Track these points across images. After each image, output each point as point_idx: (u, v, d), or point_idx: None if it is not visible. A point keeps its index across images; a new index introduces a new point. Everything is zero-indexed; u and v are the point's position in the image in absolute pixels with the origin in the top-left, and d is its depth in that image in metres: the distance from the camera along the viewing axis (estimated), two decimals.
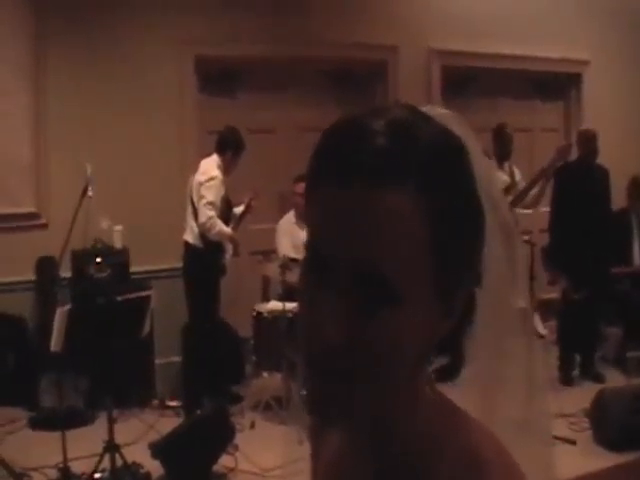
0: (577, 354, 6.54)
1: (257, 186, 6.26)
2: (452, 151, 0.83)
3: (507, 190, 6.74)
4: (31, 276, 6.15)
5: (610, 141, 7.04)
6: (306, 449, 1.12)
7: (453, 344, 0.90)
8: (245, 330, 6.31)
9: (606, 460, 4.98)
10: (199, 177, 5.84)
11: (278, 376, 5.68)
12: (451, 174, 0.81)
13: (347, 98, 7.29)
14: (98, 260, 5.57)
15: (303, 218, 6.11)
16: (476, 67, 7.85)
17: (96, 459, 4.38)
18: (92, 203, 5.07)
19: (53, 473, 4.63)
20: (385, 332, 0.78)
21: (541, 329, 7.24)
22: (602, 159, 6.48)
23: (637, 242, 7.02)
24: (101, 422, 5.04)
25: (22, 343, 5.97)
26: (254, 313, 5.98)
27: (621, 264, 6.72)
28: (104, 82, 6.40)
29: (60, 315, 4.23)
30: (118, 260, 6.07)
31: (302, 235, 6.21)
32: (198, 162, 6.01)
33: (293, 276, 5.83)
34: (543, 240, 6.59)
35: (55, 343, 4.22)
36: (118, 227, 6.20)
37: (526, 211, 6.86)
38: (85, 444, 4.71)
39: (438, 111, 0.86)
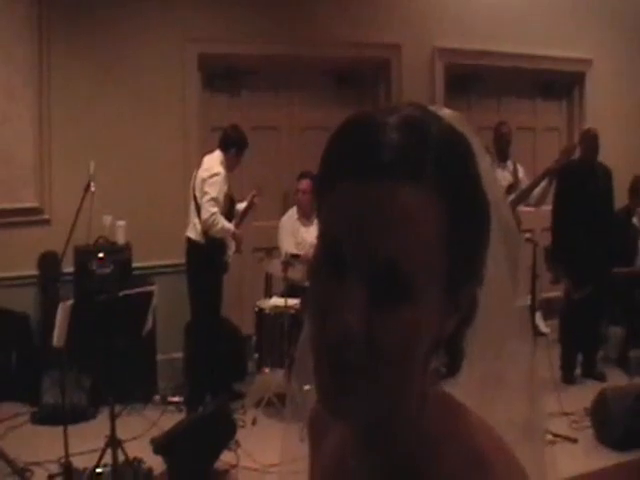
0: (579, 353, 6.54)
1: (260, 183, 6.26)
2: (461, 148, 0.85)
3: (509, 189, 6.75)
4: (34, 271, 6.16)
5: (612, 140, 7.05)
6: (306, 447, 1.12)
7: (454, 341, 0.90)
8: (247, 327, 6.33)
9: (607, 459, 4.98)
10: (202, 173, 5.85)
11: (280, 373, 5.68)
12: (462, 170, 0.83)
13: (350, 97, 7.29)
14: (101, 256, 5.57)
15: (315, 214, 6.13)
16: (479, 66, 7.85)
17: (98, 454, 4.38)
18: (95, 199, 5.08)
19: (55, 468, 4.65)
20: (400, 325, 0.79)
21: (543, 327, 7.25)
22: (605, 158, 6.48)
23: None
24: (103, 417, 5.06)
25: (25, 338, 5.98)
26: (256, 310, 5.99)
27: (623, 263, 6.71)
28: (108, 79, 6.40)
29: (63, 310, 4.23)
30: (121, 256, 6.07)
31: (305, 232, 6.23)
32: (201, 159, 6.02)
33: (295, 273, 5.84)
34: (546, 239, 6.58)
35: (57, 338, 4.22)
36: (121, 223, 6.20)
37: (529, 209, 6.88)
38: (87, 439, 4.73)
39: (443, 111, 0.88)
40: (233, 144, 5.95)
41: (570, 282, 6.37)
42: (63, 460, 4.52)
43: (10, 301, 5.93)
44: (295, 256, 5.97)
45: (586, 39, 8.19)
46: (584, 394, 5.76)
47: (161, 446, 4.67)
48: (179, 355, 6.35)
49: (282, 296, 5.92)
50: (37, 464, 4.74)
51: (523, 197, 6.76)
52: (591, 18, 8.20)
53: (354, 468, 0.94)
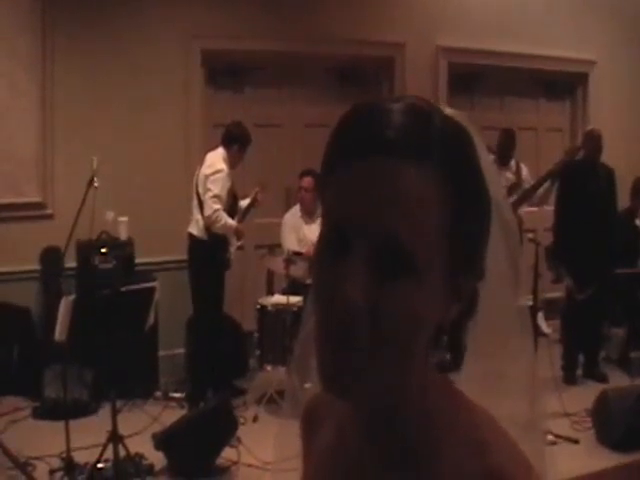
0: (581, 353, 6.53)
1: (263, 180, 6.26)
2: (464, 139, 0.87)
3: (511, 188, 6.75)
4: (36, 266, 6.16)
5: (615, 141, 7.04)
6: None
7: (456, 335, 0.91)
8: (249, 324, 6.33)
9: (609, 460, 4.98)
10: (205, 170, 5.85)
11: (282, 370, 5.69)
12: (464, 160, 0.85)
13: (353, 94, 7.28)
14: (103, 251, 5.57)
15: (318, 211, 6.14)
16: (483, 65, 7.85)
17: (99, 449, 4.38)
18: (98, 194, 5.08)
19: (56, 462, 4.64)
20: (403, 301, 0.80)
21: (545, 328, 7.25)
22: (607, 159, 6.47)
23: None
24: (105, 413, 5.06)
25: (27, 333, 5.98)
26: (258, 307, 5.99)
27: (626, 264, 6.71)
28: (111, 75, 6.41)
29: (65, 305, 4.24)
30: (123, 251, 6.07)
31: (307, 229, 6.23)
32: (204, 155, 6.02)
33: (297, 270, 5.85)
34: (548, 239, 6.58)
35: (59, 333, 4.23)
36: (123, 218, 6.21)
37: (532, 209, 6.88)
38: (89, 434, 4.72)
39: (447, 109, 0.89)
40: (236, 141, 5.95)
41: (572, 282, 6.37)
42: (64, 455, 4.53)
43: (12, 295, 5.93)
44: (297, 253, 5.98)
45: (590, 40, 8.18)
46: (585, 395, 5.76)
47: (162, 442, 4.68)
48: (181, 351, 6.36)
49: (284, 293, 5.93)
50: (38, 458, 4.73)
51: (526, 198, 6.77)
52: (595, 19, 8.20)
53: (352, 460, 0.94)
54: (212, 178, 5.77)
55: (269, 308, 5.90)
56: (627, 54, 8.44)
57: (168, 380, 6.24)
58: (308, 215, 6.34)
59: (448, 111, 0.88)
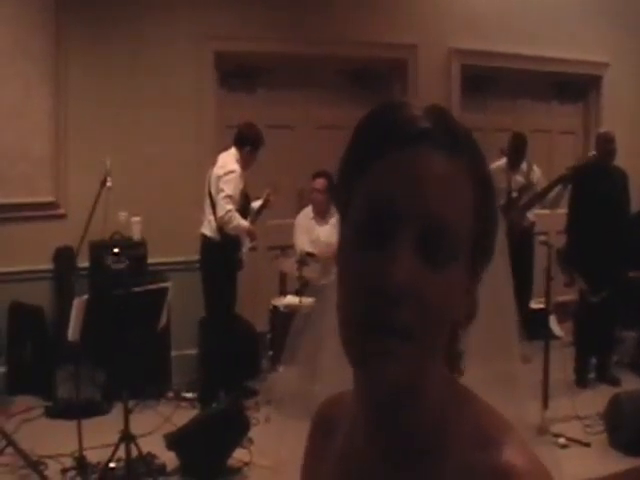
0: (593, 357, 6.51)
1: (275, 181, 6.26)
2: (479, 145, 0.90)
3: (522, 191, 6.75)
4: (49, 266, 6.19)
5: (629, 144, 7.02)
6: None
7: (452, 343, 0.92)
8: (262, 324, 6.34)
9: (620, 463, 4.96)
10: (218, 170, 5.86)
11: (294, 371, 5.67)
12: (482, 160, 0.89)
13: (366, 97, 7.27)
14: (116, 251, 5.59)
15: (330, 213, 6.15)
16: (496, 67, 7.84)
17: (111, 449, 4.40)
18: (111, 194, 5.10)
19: (69, 462, 4.67)
20: (447, 286, 0.82)
21: (557, 331, 7.22)
22: (620, 162, 6.45)
23: None
24: (117, 412, 5.07)
25: (39, 333, 6.00)
26: (271, 307, 6.01)
27: (638, 267, 6.68)
28: (124, 75, 6.43)
29: (78, 305, 4.25)
30: (136, 252, 6.09)
31: (319, 231, 6.23)
32: (216, 156, 6.03)
33: (310, 271, 5.85)
34: (560, 242, 6.56)
35: (72, 333, 4.25)
36: (136, 219, 6.23)
37: (544, 211, 6.86)
38: (101, 434, 4.73)
39: None
40: (248, 142, 5.95)
41: (585, 285, 6.34)
42: (77, 454, 4.56)
43: (25, 295, 5.96)
44: (310, 255, 5.99)
45: (603, 42, 8.15)
46: (598, 398, 5.74)
47: (174, 442, 4.69)
48: (193, 351, 6.37)
49: (296, 294, 5.93)
50: (51, 458, 4.75)
51: (536, 200, 6.77)
52: (609, 22, 8.17)
53: (360, 460, 0.94)
54: (225, 179, 5.78)
55: (282, 309, 5.91)
56: None
57: (180, 380, 6.25)
58: (320, 216, 6.34)
59: None
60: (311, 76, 7.35)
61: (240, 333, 6.22)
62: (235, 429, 4.84)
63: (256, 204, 6.17)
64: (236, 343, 6.03)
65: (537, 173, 6.95)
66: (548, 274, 5.42)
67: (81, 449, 4.49)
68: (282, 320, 5.85)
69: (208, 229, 5.91)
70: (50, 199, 6.27)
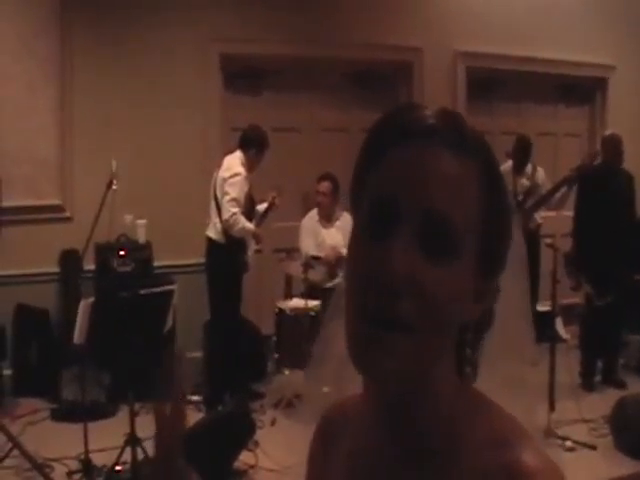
0: (599, 360, 6.49)
1: (280, 184, 6.26)
2: (488, 144, 0.91)
3: (527, 194, 6.75)
4: (55, 268, 6.20)
5: (635, 147, 6.99)
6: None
7: (469, 349, 0.92)
8: (267, 327, 6.34)
9: (626, 467, 4.94)
10: (223, 173, 5.86)
11: (300, 373, 5.68)
12: (493, 157, 0.90)
13: (371, 99, 7.28)
14: (122, 254, 5.60)
15: (335, 215, 6.15)
16: (501, 70, 7.83)
17: (117, 452, 4.40)
18: (116, 197, 5.10)
19: (74, 464, 4.66)
20: (448, 281, 0.82)
21: (563, 334, 7.21)
22: (627, 164, 6.44)
23: None
24: (123, 415, 5.08)
25: (45, 335, 6.01)
26: (276, 310, 6.01)
27: None
28: (130, 78, 6.45)
29: (84, 308, 4.26)
30: (141, 254, 6.10)
31: (325, 234, 6.23)
32: (222, 158, 6.03)
33: (315, 274, 5.86)
34: (566, 244, 6.54)
35: (78, 335, 4.25)
36: (142, 222, 6.24)
37: (550, 213, 6.85)
38: (106, 437, 4.73)
39: None
40: (253, 144, 5.95)
41: (592, 288, 6.33)
42: (82, 457, 4.55)
43: (31, 297, 5.97)
44: (315, 257, 5.99)
45: (609, 45, 8.14)
46: (604, 401, 5.73)
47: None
48: (198, 354, 6.37)
49: (302, 297, 5.93)
50: (56, 460, 4.75)
51: (542, 203, 6.76)
52: (615, 24, 8.16)
53: (372, 462, 0.94)
54: (230, 181, 5.78)
55: (287, 312, 5.91)
56: None
57: (186, 383, 6.23)
58: (326, 219, 6.34)
59: None
60: (316, 78, 7.36)
61: (245, 336, 6.21)
62: (241, 432, 4.83)
63: (261, 207, 6.17)
64: (241, 346, 6.02)
65: (541, 174, 6.95)
66: (554, 277, 5.41)
67: (87, 452, 4.48)
68: (288, 323, 5.85)
69: (213, 232, 5.91)
70: (56, 202, 6.28)
